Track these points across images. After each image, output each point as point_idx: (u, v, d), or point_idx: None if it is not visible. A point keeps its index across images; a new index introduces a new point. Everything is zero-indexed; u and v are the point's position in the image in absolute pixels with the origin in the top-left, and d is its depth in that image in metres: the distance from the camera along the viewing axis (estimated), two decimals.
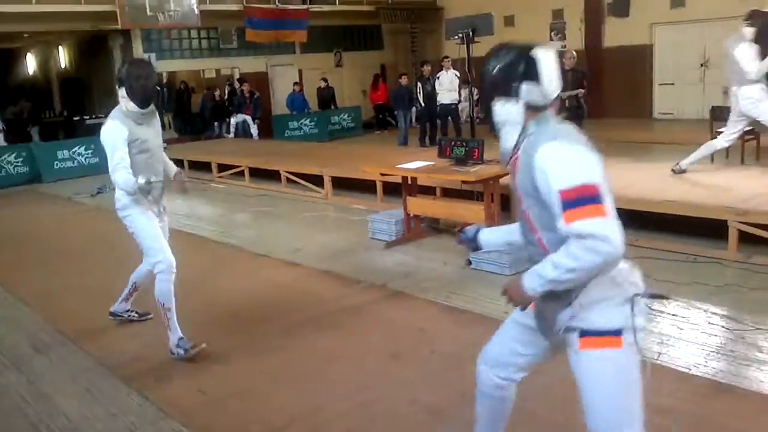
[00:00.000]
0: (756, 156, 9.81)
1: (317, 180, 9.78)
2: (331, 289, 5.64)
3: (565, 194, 1.94)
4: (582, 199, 1.93)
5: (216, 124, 16.94)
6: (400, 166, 7.04)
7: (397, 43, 20.67)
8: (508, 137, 2.19)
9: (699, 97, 15.23)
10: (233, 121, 16.49)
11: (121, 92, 4.22)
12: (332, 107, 18.29)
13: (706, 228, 5.99)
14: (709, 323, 4.42)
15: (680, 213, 6.04)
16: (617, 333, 2.08)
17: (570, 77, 10.37)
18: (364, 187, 9.11)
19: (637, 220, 6.42)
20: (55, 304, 5.58)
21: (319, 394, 3.79)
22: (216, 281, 6.07)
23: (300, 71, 19.03)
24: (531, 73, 2.11)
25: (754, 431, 3.14)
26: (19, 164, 13.30)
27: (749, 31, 6.54)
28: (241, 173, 11.47)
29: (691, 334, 4.26)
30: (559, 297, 2.13)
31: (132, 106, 4.21)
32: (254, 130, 16.30)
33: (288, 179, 10.39)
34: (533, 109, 2.14)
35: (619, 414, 2.14)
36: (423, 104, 13.85)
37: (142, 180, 4.15)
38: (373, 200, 8.74)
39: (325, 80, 18.16)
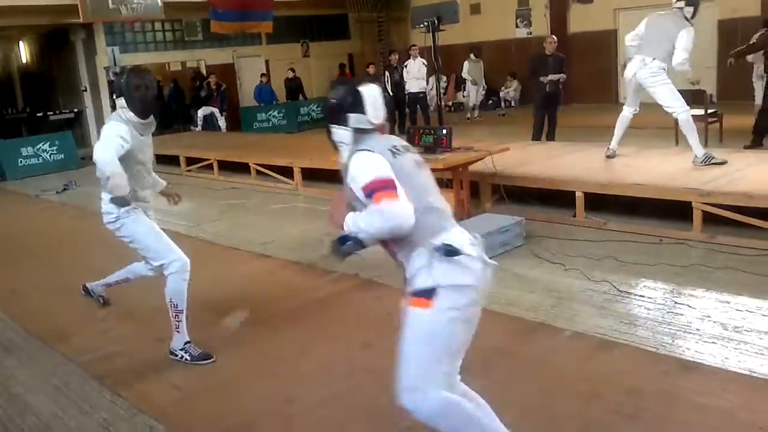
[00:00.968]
0: (719, 138, 9.98)
1: (287, 171, 9.74)
2: (302, 280, 5.64)
3: (366, 187, 2.50)
4: (376, 188, 2.46)
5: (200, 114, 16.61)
6: None
7: (364, 32, 20.59)
8: (344, 154, 2.71)
9: None
10: (200, 113, 16.33)
11: (120, 102, 4.08)
12: (300, 98, 18.19)
13: (671, 210, 6.11)
14: (676, 303, 4.51)
15: (646, 195, 6.14)
16: (429, 294, 2.48)
17: (551, 62, 10.46)
18: (335, 177, 9.02)
19: (605, 203, 6.52)
20: (23, 303, 5.50)
21: (291, 386, 3.80)
22: None
23: (267, 62, 18.90)
24: (357, 105, 2.65)
25: (720, 407, 3.21)
26: None
27: (689, 12, 6.64)
28: (210, 166, 11.38)
29: (657, 314, 4.34)
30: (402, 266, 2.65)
31: (131, 116, 4.06)
32: (222, 122, 16.16)
33: (257, 171, 10.33)
34: (361, 132, 2.67)
35: (420, 371, 2.48)
36: (391, 93, 13.84)
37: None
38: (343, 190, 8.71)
39: (293, 70, 18.05)
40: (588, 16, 16.36)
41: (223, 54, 17.89)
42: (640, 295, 4.68)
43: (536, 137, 10.43)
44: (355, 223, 2.54)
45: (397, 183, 2.50)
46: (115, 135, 3.97)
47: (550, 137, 10.54)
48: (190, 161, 11.93)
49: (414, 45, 14.02)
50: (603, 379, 3.52)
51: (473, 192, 6.82)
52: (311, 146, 11.18)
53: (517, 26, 17.92)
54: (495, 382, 3.45)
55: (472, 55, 16.07)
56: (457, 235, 2.64)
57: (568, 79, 12.42)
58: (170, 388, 3.88)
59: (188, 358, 4.22)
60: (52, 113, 16.23)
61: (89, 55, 16.01)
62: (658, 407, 3.24)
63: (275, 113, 17.25)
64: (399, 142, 2.73)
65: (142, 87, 4.06)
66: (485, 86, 16.89)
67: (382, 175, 2.52)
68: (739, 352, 3.74)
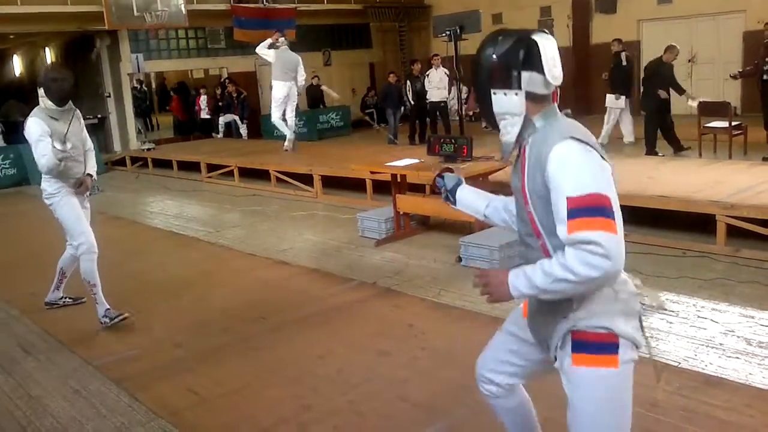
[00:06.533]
0: (743, 150, 9.87)
1: (307, 179, 9.76)
2: (320, 288, 5.64)
3: (574, 202, 1.82)
4: (591, 209, 1.82)
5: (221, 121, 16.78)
6: (389, 164, 7.04)
7: (386, 41, 20.62)
8: (510, 129, 2.05)
9: None
10: (222, 120, 16.47)
11: (40, 92, 4.76)
12: (321, 106, 18.24)
13: (694, 222, 6.03)
14: (699, 317, 4.44)
15: (669, 208, 6.07)
16: (614, 350, 1.96)
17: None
18: (354, 185, 9.10)
19: (626, 215, 6.45)
20: (44, 306, 5.53)
21: (308, 392, 3.78)
22: (206, 281, 6.05)
23: None
24: (532, 60, 1.97)
25: (742, 423, 3.15)
26: (7, 166, 13.19)
27: None
28: (231, 173, 11.44)
29: (680, 328, 4.27)
30: (555, 310, 2.01)
31: (50, 104, 4.73)
32: (243, 130, 16.26)
33: (277, 178, 10.37)
34: (534, 100, 2.01)
35: None
36: (412, 102, 13.85)
37: (58, 144, 4.60)
38: (363, 198, 8.73)
39: (317, 77, 18.16)
40: (611, 27, 16.22)
41: (246, 62, 17.97)
42: (663, 309, 4.62)
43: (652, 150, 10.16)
44: (529, 282, 1.91)
45: (615, 204, 1.86)
46: (38, 138, 4.69)
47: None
48: (211, 168, 12.00)
49: (436, 54, 14.01)
50: None
51: None
52: (331, 154, 11.22)
53: None
54: None
55: None
56: (627, 277, 2.03)
57: (590, 90, 12.40)
58: (187, 393, 3.89)
59: (108, 321, 4.92)
60: None
61: (113, 61, 16.18)
62: (681, 423, 3.18)
63: (296, 121, 17.26)
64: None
65: (59, 80, 4.71)
66: None
67: (603, 191, 1.84)
68: (763, 368, 3.67)
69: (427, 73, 13.63)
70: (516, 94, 2.00)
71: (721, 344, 4.01)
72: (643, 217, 6.40)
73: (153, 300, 5.58)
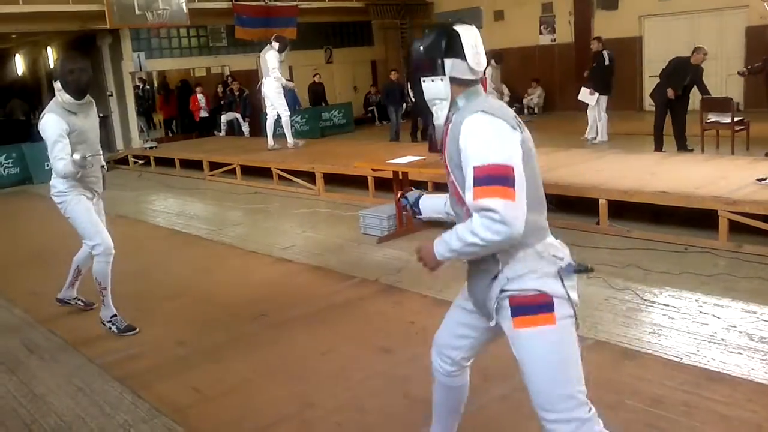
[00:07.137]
0: (746, 146, 9.85)
1: (309, 176, 9.77)
2: (323, 285, 5.64)
3: (479, 170, 2.02)
4: (492, 178, 2.00)
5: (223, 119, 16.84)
6: (391, 161, 7.05)
7: (387, 38, 20.63)
8: (440, 113, 2.27)
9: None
10: (224, 118, 16.49)
11: (56, 85, 4.49)
12: (323, 104, 18.26)
13: (697, 218, 6.03)
14: (701, 312, 4.44)
15: (671, 203, 6.06)
16: (549, 308, 2.15)
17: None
18: (356, 182, 9.10)
19: (629, 210, 6.46)
20: (47, 305, 5.54)
21: (311, 390, 3.79)
22: (208, 278, 6.07)
23: (290, 68, 18.97)
24: (454, 48, 2.18)
25: (744, 418, 3.15)
26: (10, 165, 13.22)
27: None
28: (233, 171, 11.45)
29: (682, 324, 4.28)
30: (485, 271, 2.22)
31: (67, 97, 4.46)
32: (245, 128, 16.29)
33: (280, 176, 10.38)
34: (461, 84, 2.22)
35: (557, 389, 2.18)
36: (414, 99, 13.80)
37: (77, 156, 4.37)
38: (365, 196, 8.74)
39: (318, 75, 18.17)
40: (612, 23, 16.22)
41: (247, 60, 17.99)
42: (665, 304, 4.62)
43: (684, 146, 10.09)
44: (447, 246, 2.15)
45: (518, 173, 2.02)
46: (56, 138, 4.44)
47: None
48: (214, 166, 12.02)
49: None
50: (626, 389, 3.47)
51: None
52: (333, 151, 11.21)
53: (540, 33, 17.82)
54: (516, 390, 3.41)
55: (493, 62, 16.00)
56: (556, 242, 2.25)
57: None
58: (190, 390, 3.90)
59: (115, 330, 4.76)
60: None
61: (115, 60, 16.20)
62: (682, 418, 3.19)
63: (298, 119, 17.29)
64: (509, 109, 2.22)
65: (75, 71, 4.45)
66: (508, 93, 16.76)
67: (506, 161, 2.01)
68: (765, 363, 3.67)
69: None
70: (441, 79, 2.22)
71: (723, 340, 4.01)
72: (644, 212, 6.41)
73: (155, 298, 5.59)
